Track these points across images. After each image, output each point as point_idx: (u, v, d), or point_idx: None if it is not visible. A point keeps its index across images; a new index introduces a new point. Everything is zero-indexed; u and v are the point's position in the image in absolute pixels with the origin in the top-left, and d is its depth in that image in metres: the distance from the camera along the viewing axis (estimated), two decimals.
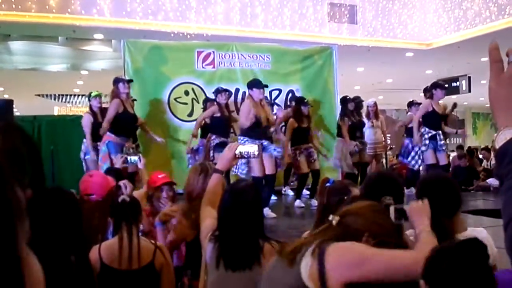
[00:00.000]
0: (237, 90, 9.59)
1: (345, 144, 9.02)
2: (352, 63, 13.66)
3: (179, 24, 11.02)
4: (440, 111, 8.56)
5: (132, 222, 3.20)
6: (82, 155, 8.56)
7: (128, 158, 5.67)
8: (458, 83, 16.50)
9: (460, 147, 13.22)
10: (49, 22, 10.23)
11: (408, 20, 13.26)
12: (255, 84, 7.46)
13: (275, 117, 8.22)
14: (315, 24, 12.22)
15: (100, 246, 3.20)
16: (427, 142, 8.36)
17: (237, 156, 2.91)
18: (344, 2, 12.55)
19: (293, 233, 5.64)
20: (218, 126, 8.21)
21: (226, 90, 8.45)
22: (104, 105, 8.69)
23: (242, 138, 7.28)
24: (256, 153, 2.97)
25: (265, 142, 7.20)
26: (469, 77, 16.13)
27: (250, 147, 2.96)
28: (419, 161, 8.77)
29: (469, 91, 16.37)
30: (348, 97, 9.23)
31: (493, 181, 10.82)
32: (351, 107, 9.11)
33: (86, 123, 8.39)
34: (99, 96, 8.63)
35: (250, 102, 7.30)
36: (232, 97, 9.41)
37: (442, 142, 8.33)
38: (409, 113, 10.05)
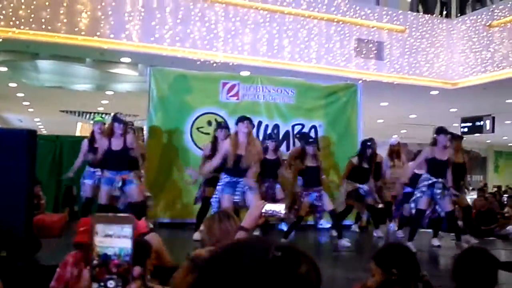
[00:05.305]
0: (260, 123, 9.60)
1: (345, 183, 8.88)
2: (376, 97, 13.60)
3: (206, 52, 11.06)
4: (449, 157, 7.86)
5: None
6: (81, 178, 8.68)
7: None
8: (482, 122, 16.31)
9: (481, 190, 13.03)
10: (77, 44, 10.33)
11: (435, 59, 13.21)
12: (239, 118, 7.27)
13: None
14: (341, 59, 12.20)
15: None
16: (424, 189, 7.79)
17: (263, 214, 2.88)
18: (372, 38, 12.54)
19: None
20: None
21: (227, 127, 8.42)
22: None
23: (222, 174, 7.23)
24: (283, 211, 2.95)
25: (243, 181, 7.13)
26: (493, 118, 15.96)
27: (277, 206, 2.93)
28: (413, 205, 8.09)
29: (493, 131, 16.18)
30: (368, 142, 8.73)
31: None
32: (369, 152, 8.66)
33: (82, 148, 8.64)
34: (101, 122, 8.71)
35: (230, 141, 7.16)
36: (255, 130, 9.39)
37: (439, 191, 7.68)
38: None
